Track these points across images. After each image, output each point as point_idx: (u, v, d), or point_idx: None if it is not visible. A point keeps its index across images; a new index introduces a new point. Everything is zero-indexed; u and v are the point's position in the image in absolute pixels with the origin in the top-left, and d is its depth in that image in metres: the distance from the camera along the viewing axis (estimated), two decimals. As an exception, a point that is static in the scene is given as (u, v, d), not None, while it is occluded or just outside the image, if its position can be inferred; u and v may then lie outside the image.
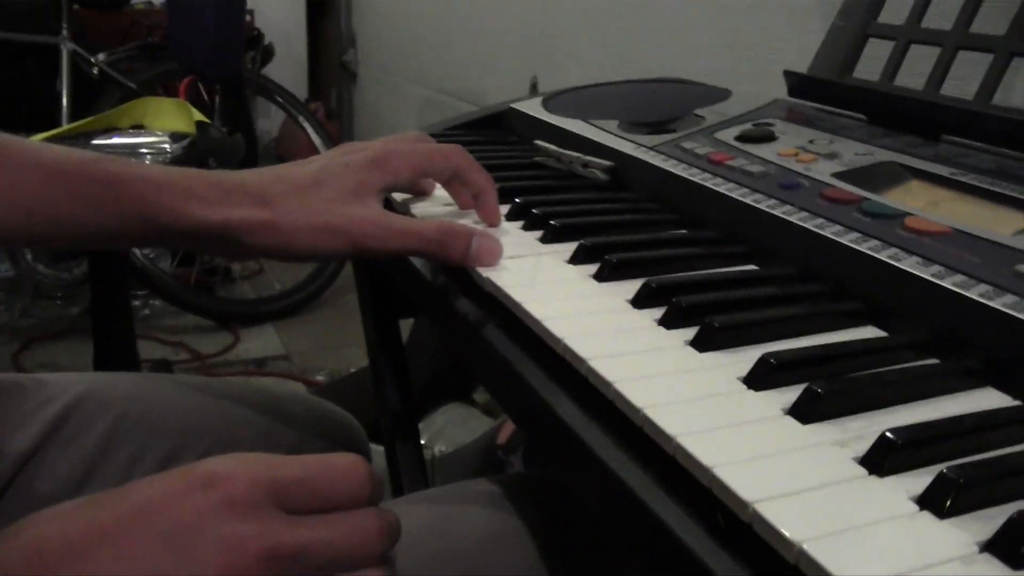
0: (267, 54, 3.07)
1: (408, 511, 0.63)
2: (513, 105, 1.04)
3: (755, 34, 1.43)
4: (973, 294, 0.48)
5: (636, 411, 0.44)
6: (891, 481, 0.38)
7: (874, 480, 0.38)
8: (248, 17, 3.41)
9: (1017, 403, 0.45)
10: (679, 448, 0.40)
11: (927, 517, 0.36)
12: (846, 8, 0.89)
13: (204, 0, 1.77)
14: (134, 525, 0.38)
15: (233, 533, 0.38)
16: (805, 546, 0.33)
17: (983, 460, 0.38)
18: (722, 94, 0.98)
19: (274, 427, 0.78)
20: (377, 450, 0.99)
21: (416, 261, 0.71)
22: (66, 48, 2.58)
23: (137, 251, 2.46)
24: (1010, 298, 0.48)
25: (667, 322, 0.53)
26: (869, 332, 0.53)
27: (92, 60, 2.57)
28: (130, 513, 0.39)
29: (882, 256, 0.54)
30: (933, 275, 0.51)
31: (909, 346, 0.50)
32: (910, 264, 0.53)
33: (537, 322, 0.54)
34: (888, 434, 0.39)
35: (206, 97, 2.46)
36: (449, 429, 1.48)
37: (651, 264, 0.60)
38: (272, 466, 0.42)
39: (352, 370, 1.88)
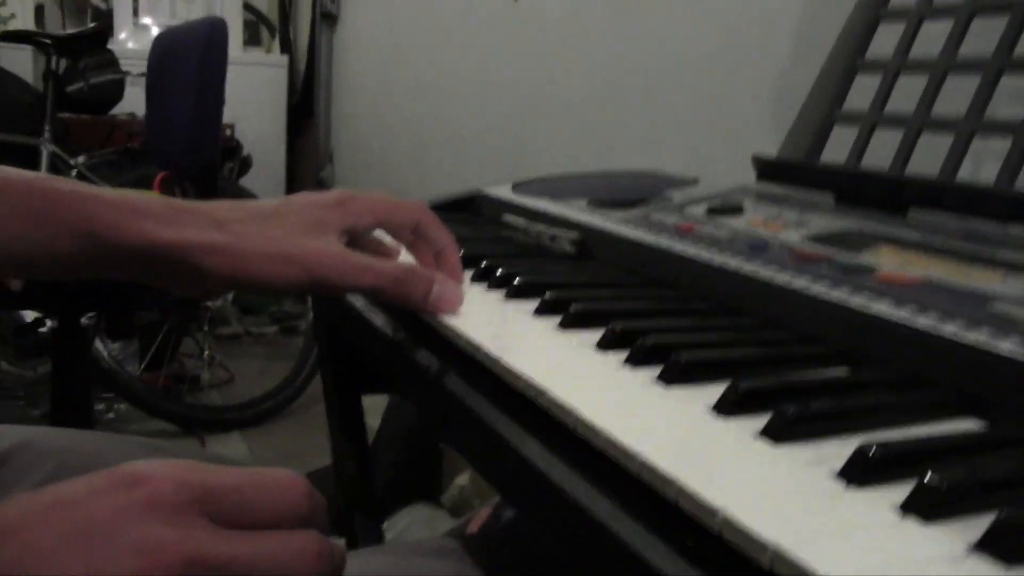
0: (245, 165, 3.10)
1: (360, 562, 0.60)
2: (482, 189, 1.04)
3: (729, 131, 1.45)
4: (945, 332, 0.48)
5: (598, 434, 0.42)
6: (870, 491, 0.36)
7: (853, 490, 0.36)
8: (229, 131, 3.48)
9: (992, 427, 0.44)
10: (644, 465, 0.38)
11: (912, 522, 0.34)
12: (813, 96, 0.91)
13: (183, 92, 1.78)
14: (43, 521, 0.35)
15: (151, 536, 0.35)
16: (781, 543, 0.31)
17: (964, 470, 0.36)
18: (691, 181, 0.98)
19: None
20: (337, 542, 0.95)
21: (376, 319, 0.69)
22: (46, 149, 2.59)
23: (104, 352, 2.42)
24: (985, 331, 0.47)
25: (633, 361, 0.52)
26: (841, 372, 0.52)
27: (71, 163, 2.59)
28: (42, 508, 0.36)
29: (853, 302, 0.53)
30: (904, 317, 0.50)
31: (881, 383, 0.48)
32: (881, 308, 0.52)
33: (495, 361, 0.52)
34: (864, 446, 0.37)
35: (180, 196, 2.46)
36: (414, 529, 1.44)
37: (613, 315, 0.58)
38: (203, 472, 0.39)
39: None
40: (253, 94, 3.75)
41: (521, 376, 0.49)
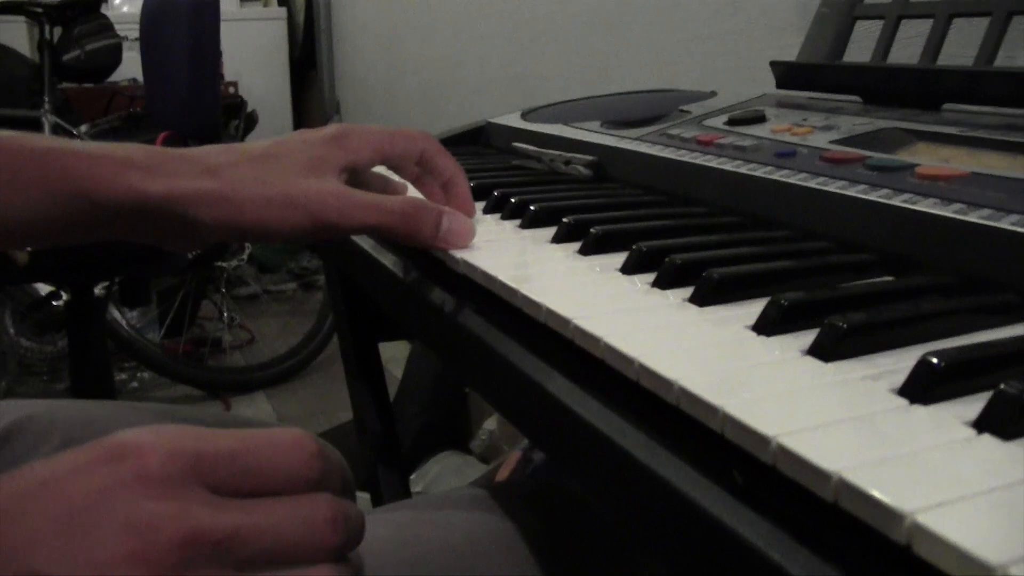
0: (251, 121, 3.05)
1: (385, 519, 0.57)
2: (491, 120, 0.99)
3: (748, 40, 1.39)
4: (1004, 224, 0.43)
5: (630, 363, 0.38)
6: (938, 408, 0.32)
7: (918, 409, 0.32)
8: (232, 88, 3.42)
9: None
10: (683, 392, 0.34)
11: (988, 440, 0.30)
12: (831, -7, 0.85)
13: (177, 54, 1.74)
14: (30, 503, 0.32)
15: (143, 514, 0.32)
16: (846, 475, 0.27)
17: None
18: (708, 95, 0.93)
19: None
20: (363, 496, 0.93)
21: (387, 260, 0.65)
22: (48, 121, 2.55)
23: (123, 322, 2.40)
24: (1045, 223, 0.42)
25: (662, 283, 0.47)
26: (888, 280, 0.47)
27: (74, 132, 2.54)
28: (28, 490, 0.32)
29: (895, 202, 0.49)
30: (955, 212, 0.46)
31: (934, 288, 0.44)
32: (927, 205, 0.47)
33: (513, 292, 0.48)
34: (930, 358, 0.33)
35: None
36: (443, 478, 1.41)
37: (638, 235, 0.54)
38: (198, 437, 0.35)
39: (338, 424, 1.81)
40: (254, 50, 3.69)
41: (543, 307, 0.45)
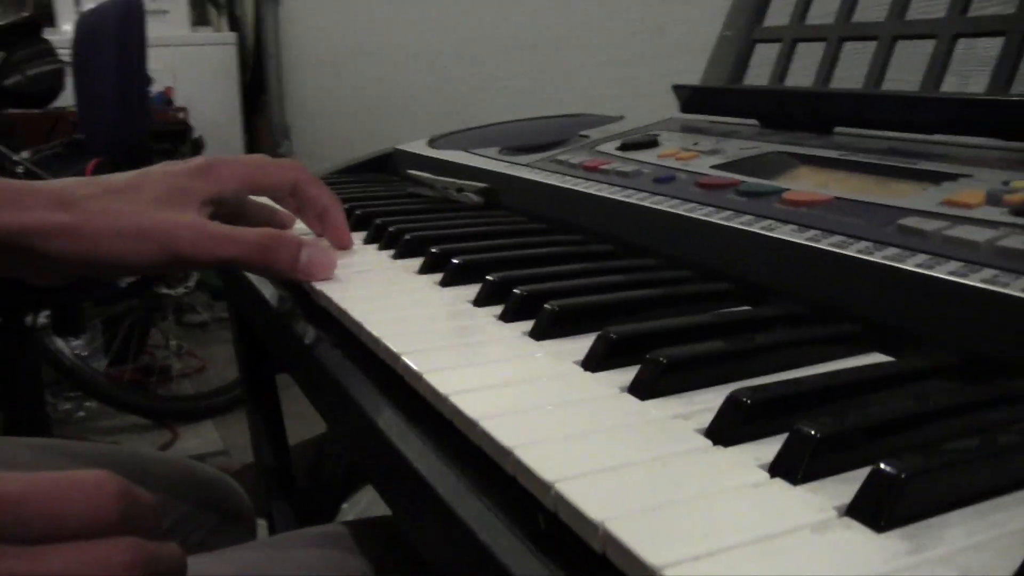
0: (197, 147, 3.02)
1: (233, 558, 0.55)
2: (398, 146, 0.98)
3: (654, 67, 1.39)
4: (851, 251, 0.42)
5: (443, 400, 0.36)
6: (740, 450, 0.30)
7: (717, 451, 0.30)
8: (183, 114, 3.39)
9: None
10: (484, 435, 0.33)
11: (777, 485, 0.28)
12: (731, 17, 0.85)
13: (105, 78, 1.71)
14: None
15: None
16: (610, 525, 0.26)
17: (845, 417, 0.30)
18: (614, 119, 0.92)
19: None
20: (261, 523, 0.90)
21: (265, 289, 0.63)
22: (-13, 148, 2.51)
23: (66, 350, 2.36)
24: (891, 251, 0.41)
25: (507, 316, 0.46)
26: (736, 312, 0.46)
27: (15, 158, 2.50)
28: None
29: (754, 228, 0.47)
30: (808, 239, 0.44)
31: (780, 319, 0.42)
32: (784, 232, 0.46)
33: (357, 325, 0.46)
34: (739, 396, 0.31)
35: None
36: (373, 508, 1.38)
37: (497, 266, 0.52)
38: None
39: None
40: (204, 75, 3.67)
41: (380, 341, 0.43)
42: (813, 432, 0.28)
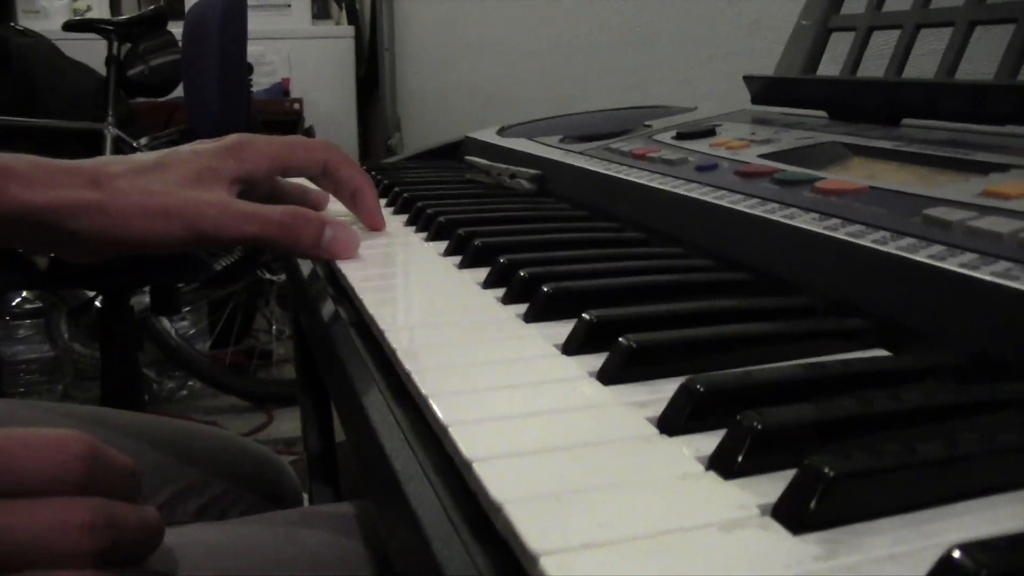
0: (308, 136, 3.09)
1: (240, 530, 0.55)
2: (469, 134, 0.97)
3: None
4: (864, 241, 0.39)
5: (407, 375, 0.35)
6: (685, 440, 0.28)
7: (661, 440, 0.28)
8: (297, 105, 3.47)
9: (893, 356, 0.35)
10: (430, 412, 0.31)
11: (709, 478, 0.26)
12: (809, 6, 0.81)
13: (207, 68, 1.75)
14: None
15: None
16: (508, 507, 0.24)
17: (798, 411, 0.28)
18: (686, 110, 0.90)
19: (170, 459, 0.70)
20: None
21: (303, 265, 0.63)
22: (109, 133, 2.61)
23: (173, 331, 2.44)
24: (906, 241, 0.38)
25: (508, 299, 0.44)
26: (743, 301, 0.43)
27: (134, 144, 2.60)
28: None
29: (775, 216, 0.45)
30: (826, 228, 0.42)
31: (782, 310, 0.40)
32: (802, 221, 0.43)
33: (360, 302, 0.45)
34: (692, 384, 0.29)
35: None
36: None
37: (515, 248, 0.51)
38: None
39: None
40: (322, 67, 3.74)
41: (373, 318, 0.42)
42: (755, 424, 0.26)
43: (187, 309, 2.56)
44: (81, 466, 0.35)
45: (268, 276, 2.64)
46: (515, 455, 0.27)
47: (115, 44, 2.73)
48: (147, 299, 2.13)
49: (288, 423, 2.52)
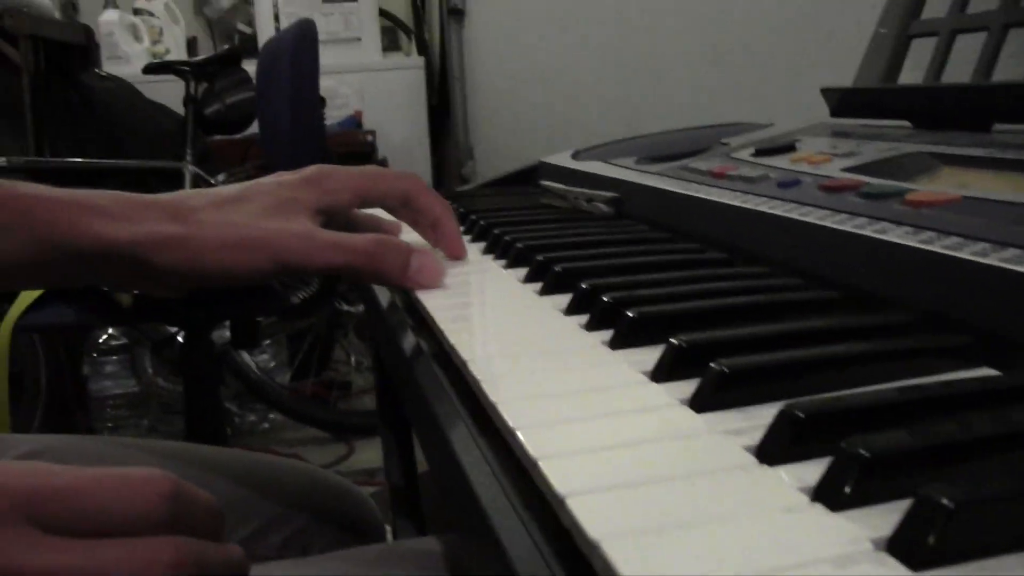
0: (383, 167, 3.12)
1: (312, 566, 0.55)
2: (543, 159, 0.97)
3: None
4: (964, 254, 0.37)
5: (493, 408, 0.34)
6: (786, 470, 0.27)
7: (761, 470, 0.27)
8: (370, 137, 3.51)
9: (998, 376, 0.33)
10: (518, 443, 0.31)
11: (815, 511, 0.25)
12: (887, 13, 0.79)
13: (280, 102, 1.78)
14: None
15: None
16: (604, 545, 0.23)
17: (909, 436, 0.26)
18: (763, 127, 0.88)
19: (252, 494, 0.71)
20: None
21: (381, 296, 0.63)
22: (188, 171, 2.67)
23: (252, 364, 2.47)
24: (1011, 252, 0.36)
25: (593, 324, 0.43)
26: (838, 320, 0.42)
27: (212, 180, 2.66)
28: None
29: (866, 231, 0.43)
30: (921, 241, 0.40)
31: (878, 328, 0.38)
32: (896, 235, 0.42)
33: (439, 330, 0.45)
34: (791, 410, 0.28)
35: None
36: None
37: (597, 273, 0.50)
38: (35, 475, 0.34)
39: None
40: (393, 98, 3.78)
41: (456, 349, 0.42)
42: (862, 451, 0.24)
43: (267, 342, 2.60)
44: (166, 505, 0.35)
45: (346, 307, 2.67)
46: (609, 488, 0.26)
47: (192, 84, 2.79)
48: (227, 333, 2.17)
49: (369, 453, 2.53)
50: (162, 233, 0.52)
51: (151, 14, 3.69)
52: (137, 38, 3.57)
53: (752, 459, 0.28)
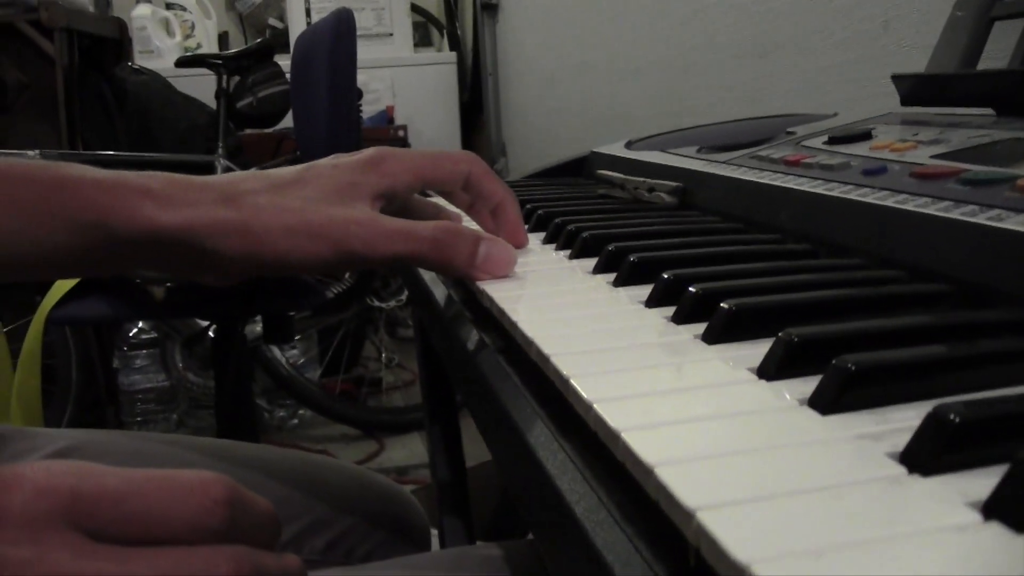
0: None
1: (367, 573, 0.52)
2: (595, 149, 0.93)
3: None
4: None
5: (587, 407, 0.31)
6: (942, 481, 0.24)
7: (914, 480, 0.24)
8: (402, 132, 3.49)
9: None
10: (625, 449, 0.27)
11: (995, 530, 0.21)
12: (966, -7, 0.75)
13: (316, 92, 1.76)
14: None
15: None
16: (755, 571, 0.20)
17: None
18: (827, 117, 0.84)
19: (297, 494, 0.68)
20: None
21: (436, 289, 0.60)
22: (220, 164, 2.66)
23: (282, 360, 2.45)
24: None
25: (680, 317, 0.40)
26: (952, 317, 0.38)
27: (243, 176, 2.64)
28: None
29: (978, 219, 0.40)
30: (1044, 232, 0.36)
31: (1008, 324, 0.34)
32: (1016, 223, 0.38)
33: (512, 323, 0.42)
34: (944, 412, 0.25)
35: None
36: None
37: (673, 266, 0.46)
38: (80, 475, 0.31)
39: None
40: (425, 94, 3.76)
41: (533, 343, 0.39)
42: (1039, 464, 0.21)
43: (297, 338, 2.58)
44: (223, 511, 0.32)
45: (377, 303, 2.65)
46: (746, 502, 0.23)
47: (224, 77, 2.78)
48: (259, 328, 2.15)
49: (399, 451, 2.51)
50: (218, 218, 0.49)
51: (183, 8, 3.68)
52: (169, 32, 3.57)
53: (901, 469, 0.24)
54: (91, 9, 3.12)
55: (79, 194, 0.49)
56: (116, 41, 3.25)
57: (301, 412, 2.64)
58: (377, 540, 0.71)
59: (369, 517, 0.71)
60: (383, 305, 2.67)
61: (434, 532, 0.81)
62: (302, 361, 2.57)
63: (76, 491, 0.30)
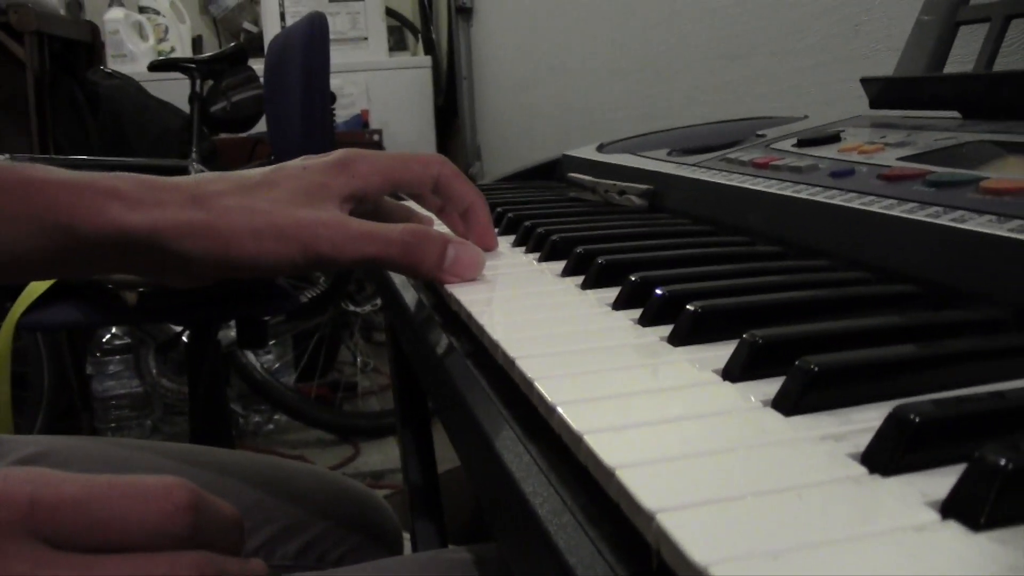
0: (389, 168, 3.09)
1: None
2: (567, 152, 0.93)
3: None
4: (1063, 247, 0.34)
5: (551, 411, 0.31)
6: (903, 481, 0.24)
7: (874, 481, 0.24)
8: (377, 136, 3.48)
9: None
10: (588, 452, 0.27)
11: (953, 530, 0.21)
12: (930, 1, 0.76)
13: (290, 96, 1.75)
14: None
15: None
16: (713, 572, 0.20)
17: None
18: (797, 119, 0.85)
19: (269, 499, 0.67)
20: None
21: (406, 293, 0.60)
22: (193, 169, 2.65)
23: (258, 365, 2.44)
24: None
25: (647, 319, 0.40)
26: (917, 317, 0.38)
27: (217, 181, 2.63)
28: None
29: (941, 220, 0.40)
30: (1012, 231, 0.37)
31: (972, 324, 0.35)
32: (978, 224, 0.38)
33: (478, 326, 0.41)
34: (904, 412, 0.25)
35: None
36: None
37: (643, 266, 0.47)
38: (40, 483, 0.31)
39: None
40: (400, 98, 3.75)
41: (499, 345, 0.39)
42: (1002, 463, 0.21)
43: (272, 342, 2.57)
44: (186, 517, 0.32)
45: (352, 308, 2.64)
46: (708, 504, 0.23)
47: (198, 82, 2.77)
48: (233, 333, 2.13)
49: (375, 455, 2.50)
50: (184, 219, 0.48)
51: (157, 12, 3.66)
52: (142, 36, 3.54)
53: (862, 469, 0.24)
54: (63, 12, 3.10)
55: (45, 195, 0.48)
56: (88, 45, 3.23)
57: (276, 417, 2.63)
58: (350, 544, 0.70)
59: (341, 521, 0.70)
60: (358, 309, 2.66)
61: (407, 536, 0.80)
62: (277, 366, 2.56)
63: (34, 499, 0.30)
